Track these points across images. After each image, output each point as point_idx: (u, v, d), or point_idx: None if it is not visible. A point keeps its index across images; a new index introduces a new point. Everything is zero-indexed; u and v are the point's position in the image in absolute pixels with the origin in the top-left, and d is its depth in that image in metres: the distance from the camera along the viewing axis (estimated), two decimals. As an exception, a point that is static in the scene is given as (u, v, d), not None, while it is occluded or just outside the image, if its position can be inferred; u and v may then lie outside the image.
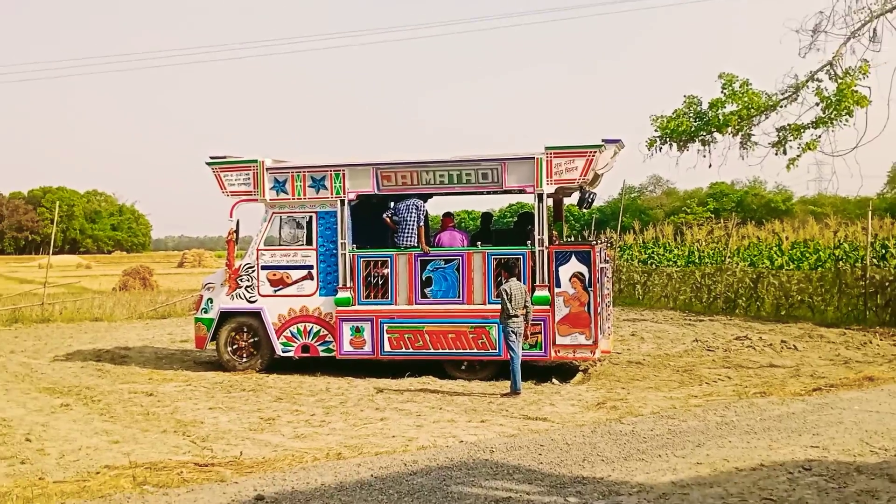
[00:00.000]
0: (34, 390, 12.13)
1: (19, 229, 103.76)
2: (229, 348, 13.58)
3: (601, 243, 13.82)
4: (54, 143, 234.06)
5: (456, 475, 5.96)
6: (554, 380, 12.42)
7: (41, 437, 9.11)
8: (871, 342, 15.81)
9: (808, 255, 22.13)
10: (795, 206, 53.52)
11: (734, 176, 64.60)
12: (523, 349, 11.65)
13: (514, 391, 11.28)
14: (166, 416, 10.17)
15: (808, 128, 13.08)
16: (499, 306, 11.61)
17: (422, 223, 12.90)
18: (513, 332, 11.32)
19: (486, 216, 15.08)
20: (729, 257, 23.49)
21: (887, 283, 18.32)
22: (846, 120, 12.66)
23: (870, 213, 20.91)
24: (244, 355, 13.57)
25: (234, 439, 8.86)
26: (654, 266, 25.48)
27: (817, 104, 12.85)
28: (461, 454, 6.66)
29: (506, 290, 11.32)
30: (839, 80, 12.64)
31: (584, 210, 13.71)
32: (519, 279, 11.84)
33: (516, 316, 11.30)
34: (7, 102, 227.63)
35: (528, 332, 11.83)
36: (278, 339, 13.31)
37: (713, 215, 39.17)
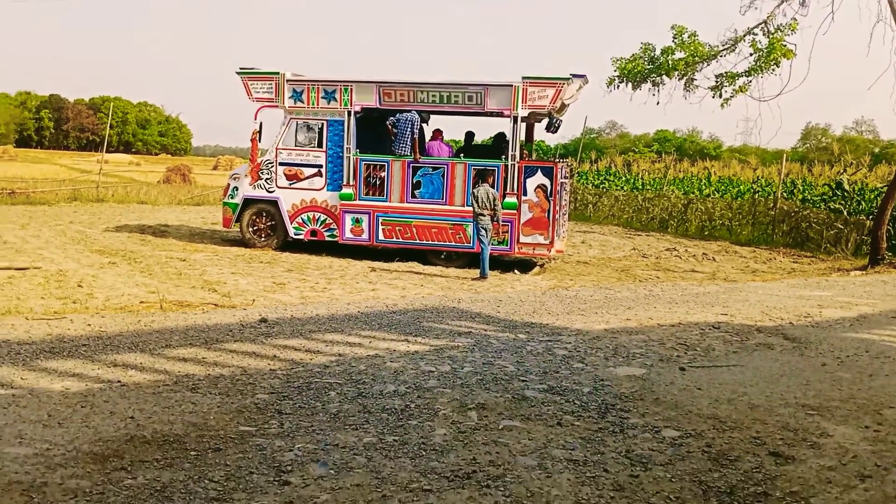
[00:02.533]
0: (87, 251, 12.01)
1: (81, 130, 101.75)
2: (250, 229, 13.50)
3: (563, 162, 13.67)
4: (114, 57, 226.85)
5: (428, 315, 6.00)
6: (515, 270, 12.46)
7: (91, 284, 9.03)
8: (775, 258, 15.89)
9: (730, 187, 22.03)
10: (724, 153, 53.13)
11: (676, 125, 64.20)
12: (492, 245, 11.70)
13: (483, 276, 11.30)
14: (196, 277, 10.10)
15: (742, 76, 12.81)
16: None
17: (416, 135, 12.71)
18: (482, 227, 11.32)
19: (469, 134, 14.79)
20: (666, 186, 23.38)
21: (792, 213, 18.37)
22: (773, 69, 12.40)
23: (784, 157, 20.81)
24: (262, 235, 13.49)
25: (250, 296, 8.82)
26: (604, 190, 25.33)
27: (751, 55, 12.55)
28: (434, 302, 6.70)
29: (473, 193, 11.38)
30: (771, 35, 12.33)
31: (552, 133, 13.50)
32: (491, 186, 11.77)
33: (482, 215, 11.30)
34: (77, 18, 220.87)
35: (500, 230, 11.88)
36: (291, 224, 13.22)
37: (657, 156, 38.81)
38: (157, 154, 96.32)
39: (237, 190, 13.49)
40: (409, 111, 12.73)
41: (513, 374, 4.37)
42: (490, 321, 5.88)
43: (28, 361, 4.35)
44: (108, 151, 28.62)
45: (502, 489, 3.03)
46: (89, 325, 5.18)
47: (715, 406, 4.01)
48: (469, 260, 12.53)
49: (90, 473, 2.96)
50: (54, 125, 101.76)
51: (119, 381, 4.02)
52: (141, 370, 4.26)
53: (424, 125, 13.31)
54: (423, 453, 3.33)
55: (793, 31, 12.28)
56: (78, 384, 3.96)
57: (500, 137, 13.33)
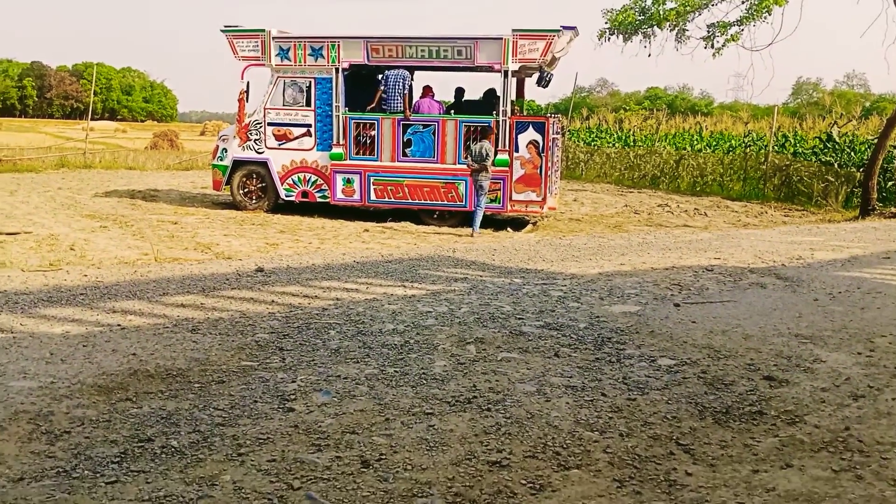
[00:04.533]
0: (77, 216, 11.96)
1: (65, 98, 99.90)
2: (241, 191, 13.40)
3: (554, 117, 13.60)
4: (95, 22, 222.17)
5: (423, 264, 6.05)
6: (508, 228, 12.49)
7: (83, 248, 9.00)
8: (766, 212, 15.99)
9: (722, 143, 22.04)
10: (715, 110, 52.98)
11: (667, 82, 63.88)
12: (487, 202, 11.71)
13: (474, 233, 11.35)
14: (188, 239, 10.08)
15: (734, 25, 12.77)
16: (464, 166, 11.62)
17: (405, 92, 12.59)
18: (476, 184, 11.36)
19: (459, 90, 14.67)
20: (658, 142, 23.35)
21: (783, 167, 18.44)
22: (765, 17, 12.35)
23: (775, 110, 20.80)
24: (254, 198, 13.40)
25: (244, 256, 8.82)
26: (596, 147, 25.24)
27: (743, 3, 12.51)
28: (429, 252, 6.75)
29: (468, 148, 11.41)
30: (763, -19, 12.28)
31: (543, 88, 13.42)
32: (490, 143, 11.74)
33: (475, 170, 11.34)
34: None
35: (490, 187, 11.85)
36: (282, 185, 13.13)
37: (648, 112, 38.67)
38: (142, 121, 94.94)
39: (226, 151, 13.37)
40: (399, 68, 12.60)
41: (509, 313, 4.43)
42: (485, 268, 5.94)
43: (27, 309, 4.38)
44: (92, 119, 28.32)
45: (503, 412, 3.11)
46: (86, 275, 5.21)
47: (709, 337, 4.09)
48: (462, 219, 12.52)
49: (96, 404, 3.02)
50: (37, 93, 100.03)
51: (119, 325, 4.06)
52: (140, 315, 4.30)
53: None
54: (424, 382, 3.41)
55: (785, -24, 12.23)
56: (78, 328, 4.01)
57: (491, 93, 13.24)
